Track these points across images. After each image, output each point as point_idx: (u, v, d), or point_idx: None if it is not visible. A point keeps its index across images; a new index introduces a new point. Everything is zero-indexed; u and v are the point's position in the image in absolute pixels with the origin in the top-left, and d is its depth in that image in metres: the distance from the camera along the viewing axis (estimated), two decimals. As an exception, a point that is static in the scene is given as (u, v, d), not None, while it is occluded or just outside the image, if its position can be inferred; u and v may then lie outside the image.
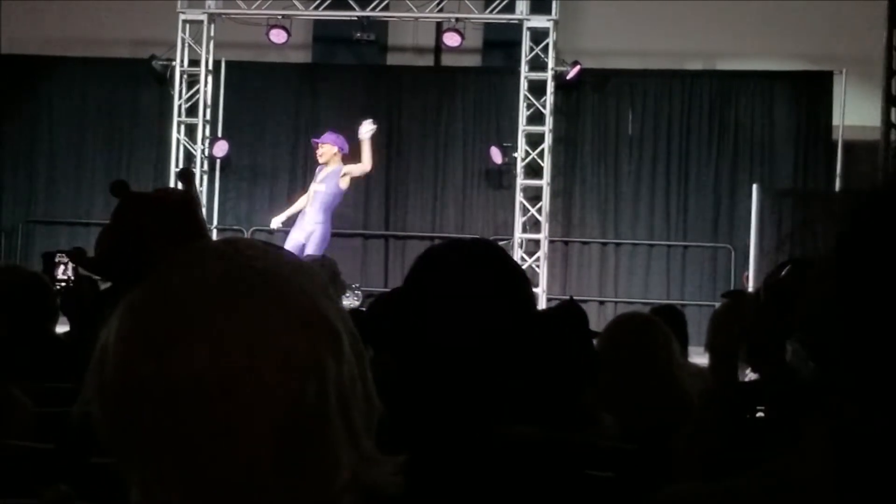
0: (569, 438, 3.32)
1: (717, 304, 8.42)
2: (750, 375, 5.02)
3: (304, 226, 14.34)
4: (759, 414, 3.94)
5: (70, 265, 12.49)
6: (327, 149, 14.46)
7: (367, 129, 14.40)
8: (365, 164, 14.46)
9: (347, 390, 1.43)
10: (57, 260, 12.78)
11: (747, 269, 15.75)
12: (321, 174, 14.47)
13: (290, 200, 17.54)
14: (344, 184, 14.43)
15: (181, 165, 16.91)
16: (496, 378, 2.34)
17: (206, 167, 16.99)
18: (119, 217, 1.45)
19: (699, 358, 7.02)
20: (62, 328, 6.81)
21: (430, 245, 2.57)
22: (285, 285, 1.43)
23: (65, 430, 4.00)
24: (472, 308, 2.34)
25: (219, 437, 1.35)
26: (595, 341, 4.57)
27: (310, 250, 13.91)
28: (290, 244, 14.04)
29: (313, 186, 14.52)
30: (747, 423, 3.88)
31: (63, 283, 11.22)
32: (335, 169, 14.39)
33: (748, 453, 3.49)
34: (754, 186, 15.91)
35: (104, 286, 7.51)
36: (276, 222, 14.94)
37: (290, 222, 14.60)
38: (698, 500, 2.48)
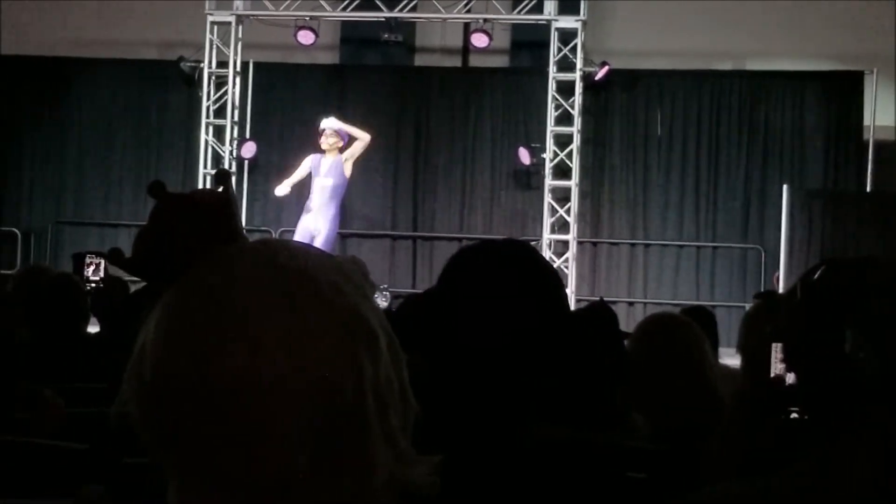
0: (601, 439, 3.32)
1: (748, 306, 8.39)
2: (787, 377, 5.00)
3: (316, 220, 14.47)
4: (793, 415, 3.92)
5: (100, 266, 12.52)
6: (336, 140, 14.68)
7: (334, 121, 14.87)
8: (363, 137, 14.74)
9: (384, 390, 1.43)
10: (87, 261, 12.81)
11: (778, 269, 15.70)
12: (324, 167, 14.64)
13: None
14: (348, 171, 14.77)
15: (209, 167, 16.95)
16: (528, 379, 2.33)
17: (234, 168, 17.00)
18: (156, 218, 1.47)
19: (730, 359, 7.01)
20: (93, 328, 6.84)
21: (462, 246, 2.56)
22: (323, 285, 1.43)
23: (98, 429, 4.01)
24: (505, 309, 2.33)
25: (257, 437, 1.35)
26: (626, 342, 4.56)
27: (319, 245, 13.99)
28: (302, 234, 14.15)
29: (319, 181, 14.73)
30: (780, 425, 3.86)
31: (93, 284, 11.25)
32: (336, 160, 14.60)
33: (781, 454, 3.47)
34: (784, 187, 15.86)
35: (135, 287, 7.53)
36: (282, 189, 15.13)
37: (298, 193, 14.83)
38: (733, 500, 2.47)
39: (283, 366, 1.35)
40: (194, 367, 1.35)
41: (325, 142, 14.87)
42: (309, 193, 14.90)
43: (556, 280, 2.48)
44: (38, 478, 3.37)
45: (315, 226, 14.59)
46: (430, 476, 1.48)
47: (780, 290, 13.22)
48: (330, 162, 14.66)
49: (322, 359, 1.37)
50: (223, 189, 1.65)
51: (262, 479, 1.36)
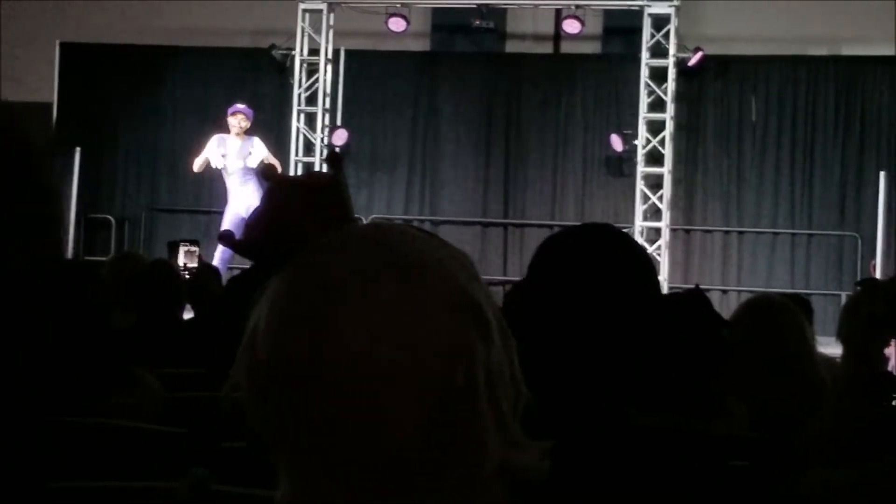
0: (702, 427, 3.29)
1: (844, 294, 8.29)
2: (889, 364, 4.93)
3: (246, 204, 14.35)
4: (897, 403, 3.86)
5: (194, 253, 12.63)
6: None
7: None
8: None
9: (495, 375, 1.43)
10: (181, 248, 12.94)
11: (874, 257, 15.53)
12: (244, 148, 14.80)
13: (411, 189, 17.65)
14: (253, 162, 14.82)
15: (300, 154, 17.05)
16: (627, 366, 2.31)
17: (325, 156, 17.06)
18: (268, 200, 1.46)
19: (826, 348, 6.93)
20: (187, 315, 6.91)
21: (552, 233, 2.54)
22: (437, 269, 1.42)
23: (196, 414, 4.03)
24: (604, 296, 2.32)
25: (370, 420, 1.35)
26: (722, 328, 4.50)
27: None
28: (232, 221, 14.09)
29: (237, 163, 14.81)
30: (884, 412, 3.81)
31: (186, 271, 11.37)
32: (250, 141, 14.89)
33: (884, 441, 3.43)
34: (881, 173, 15.68)
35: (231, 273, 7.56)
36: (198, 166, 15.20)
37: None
38: (835, 486, 2.43)
39: (396, 348, 1.35)
40: (308, 348, 1.36)
41: (237, 125, 15.11)
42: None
43: (650, 265, 2.46)
44: (138, 461, 3.40)
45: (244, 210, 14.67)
46: (540, 461, 1.46)
47: (878, 278, 13.05)
48: (245, 144, 15.01)
49: (435, 342, 1.37)
50: (334, 172, 1.63)
51: (373, 462, 1.36)
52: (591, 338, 2.29)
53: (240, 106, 15.15)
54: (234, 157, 14.78)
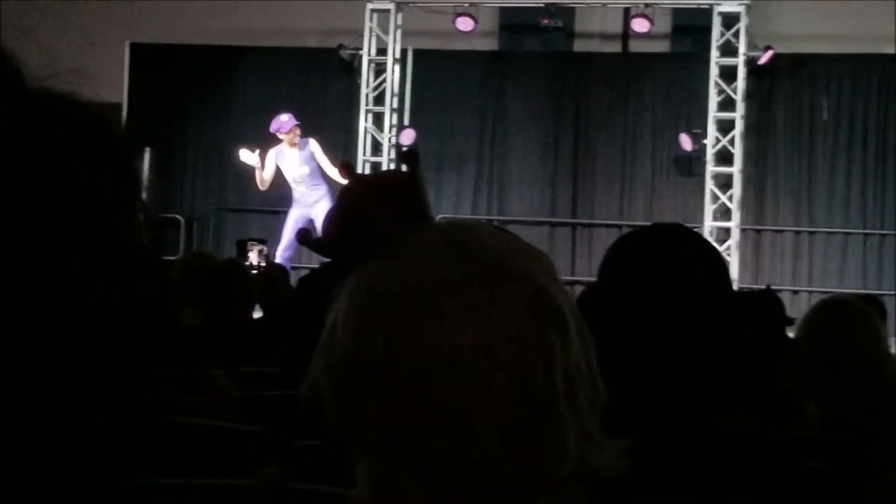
0: (780, 429, 3.27)
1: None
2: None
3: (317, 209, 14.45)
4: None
5: (262, 252, 12.70)
6: None
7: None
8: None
9: (573, 372, 1.42)
10: (249, 247, 13.02)
11: (948, 258, 15.39)
12: (304, 153, 14.88)
13: (478, 188, 17.65)
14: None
15: (368, 154, 17.10)
16: (702, 368, 2.30)
17: (393, 156, 17.10)
18: (346, 198, 1.46)
19: (896, 350, 6.87)
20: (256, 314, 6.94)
21: (623, 233, 2.53)
22: (514, 267, 1.42)
23: (269, 412, 4.05)
24: (677, 297, 2.30)
25: (450, 417, 1.34)
26: (791, 328, 4.47)
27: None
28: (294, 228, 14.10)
29: (302, 169, 14.86)
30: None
31: (255, 270, 11.42)
32: (306, 144, 14.98)
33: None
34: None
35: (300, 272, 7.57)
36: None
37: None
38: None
39: (475, 348, 1.35)
40: (387, 344, 1.36)
41: (292, 139, 15.14)
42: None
43: (723, 264, 2.44)
44: (212, 459, 3.41)
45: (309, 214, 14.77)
46: (620, 460, 1.46)
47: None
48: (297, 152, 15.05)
49: (513, 339, 1.37)
50: (410, 169, 1.64)
51: (452, 460, 1.36)
52: (665, 338, 2.28)
53: (283, 119, 15.18)
54: (297, 165, 14.87)
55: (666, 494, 2.10)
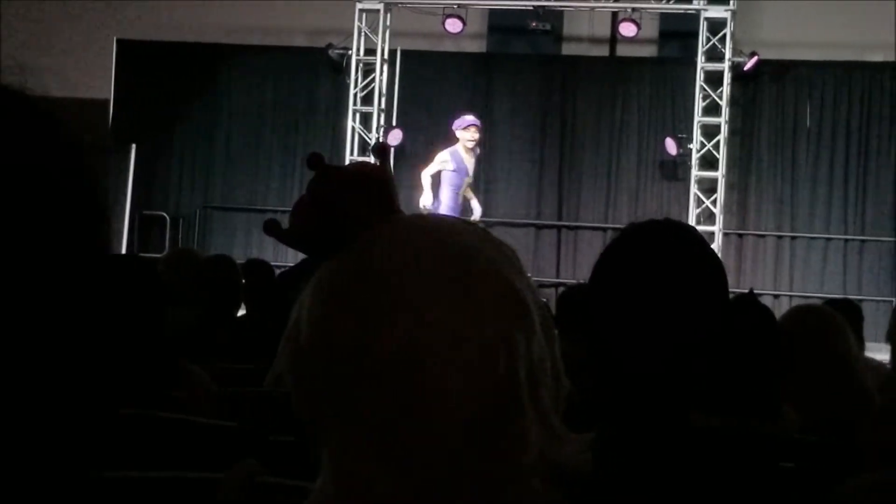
0: (754, 429, 3.29)
1: (897, 299, 8.24)
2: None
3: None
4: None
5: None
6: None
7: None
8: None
9: (536, 367, 1.43)
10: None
11: (927, 264, 15.45)
12: (470, 165, 14.42)
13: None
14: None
15: (356, 154, 17.09)
16: (690, 366, 2.30)
17: (371, 147, 17.08)
18: (315, 189, 1.47)
19: (877, 354, 6.91)
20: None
21: (621, 230, 2.52)
22: (482, 261, 1.43)
23: (245, 408, 4.07)
24: (674, 299, 2.30)
25: (414, 408, 1.36)
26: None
27: None
28: None
29: (467, 180, 14.46)
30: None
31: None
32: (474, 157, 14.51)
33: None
34: (935, 180, 15.61)
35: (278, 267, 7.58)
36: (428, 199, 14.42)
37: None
38: (886, 487, 2.43)
39: (440, 339, 1.36)
40: (355, 336, 1.37)
41: (473, 138, 14.42)
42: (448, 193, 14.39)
43: (719, 264, 2.44)
44: (190, 453, 3.43)
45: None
46: (581, 454, 1.47)
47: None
48: (472, 160, 14.50)
49: (478, 332, 1.38)
50: (381, 162, 1.65)
51: (416, 451, 1.37)
52: (661, 339, 2.28)
53: (470, 118, 14.65)
54: (469, 172, 14.47)
55: (630, 490, 2.11)
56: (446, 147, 14.59)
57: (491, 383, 1.37)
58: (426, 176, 14.36)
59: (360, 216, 1.51)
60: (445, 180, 14.23)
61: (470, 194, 14.59)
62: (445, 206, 14.03)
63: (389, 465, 1.37)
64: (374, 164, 1.78)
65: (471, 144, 14.34)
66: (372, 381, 1.36)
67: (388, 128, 17.29)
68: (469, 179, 14.31)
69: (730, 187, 16.74)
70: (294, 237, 1.66)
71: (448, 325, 1.37)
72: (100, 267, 1.11)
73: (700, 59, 16.45)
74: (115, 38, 18.16)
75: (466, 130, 14.34)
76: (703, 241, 2.50)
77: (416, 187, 17.15)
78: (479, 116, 17.16)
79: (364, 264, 1.42)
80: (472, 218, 14.11)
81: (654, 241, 2.41)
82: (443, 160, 14.31)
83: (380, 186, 1.64)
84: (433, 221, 1.50)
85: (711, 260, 2.43)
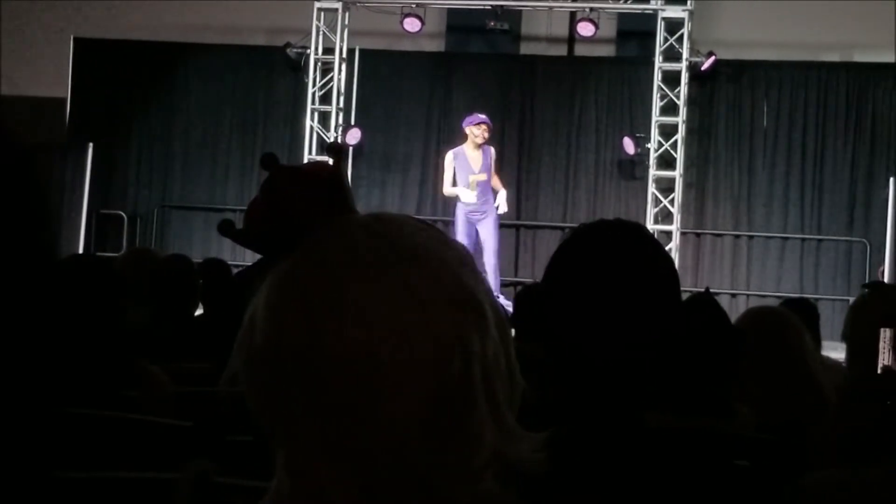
0: (709, 427, 3.30)
1: (852, 299, 8.30)
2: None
3: (487, 226, 14.33)
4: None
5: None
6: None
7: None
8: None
9: (491, 366, 1.44)
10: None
11: (882, 263, 15.53)
12: (486, 159, 14.36)
13: (424, 189, 17.62)
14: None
15: (314, 153, 17.05)
16: (643, 365, 2.30)
17: (326, 146, 17.04)
18: (268, 189, 1.47)
19: (833, 352, 6.94)
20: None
21: (573, 230, 2.52)
22: (434, 261, 1.44)
23: (202, 408, 4.06)
24: (628, 298, 2.31)
25: (366, 408, 1.36)
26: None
27: (490, 255, 14.10)
28: (468, 234, 13.94)
29: (479, 176, 14.31)
30: (887, 414, 3.81)
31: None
32: (489, 151, 14.40)
33: (887, 443, 3.43)
34: (891, 180, 15.69)
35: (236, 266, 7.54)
36: (468, 196, 14.31)
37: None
38: (840, 486, 2.45)
39: (392, 338, 1.36)
40: (306, 336, 1.37)
41: (481, 134, 14.36)
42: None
43: (671, 263, 2.44)
44: (144, 453, 3.42)
45: (486, 233, 14.35)
46: (535, 453, 1.47)
47: (885, 282, 13.04)
48: (479, 155, 14.44)
49: (431, 333, 1.38)
50: (335, 162, 1.65)
51: (368, 450, 1.37)
52: (614, 337, 2.29)
53: (482, 116, 14.58)
54: (477, 169, 14.31)
55: (585, 489, 2.11)
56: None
57: (444, 383, 1.38)
58: (447, 185, 14.43)
59: (313, 216, 1.50)
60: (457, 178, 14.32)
61: (498, 186, 14.58)
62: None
63: (343, 465, 1.37)
64: (328, 164, 1.78)
65: (479, 140, 14.34)
66: (324, 382, 1.36)
67: (347, 127, 17.26)
68: (476, 176, 14.26)
69: (687, 187, 16.80)
70: (248, 237, 1.66)
71: (398, 326, 1.37)
72: (43, 269, 1.10)
73: (658, 58, 16.50)
74: (72, 37, 18.05)
75: (477, 126, 14.36)
76: (654, 241, 2.51)
77: (375, 186, 17.19)
78: (437, 115, 17.20)
79: (314, 264, 1.42)
80: (499, 212, 14.43)
81: (606, 240, 2.42)
82: (448, 161, 14.42)
83: (333, 186, 1.64)
84: (385, 221, 1.49)
85: (663, 259, 2.43)
